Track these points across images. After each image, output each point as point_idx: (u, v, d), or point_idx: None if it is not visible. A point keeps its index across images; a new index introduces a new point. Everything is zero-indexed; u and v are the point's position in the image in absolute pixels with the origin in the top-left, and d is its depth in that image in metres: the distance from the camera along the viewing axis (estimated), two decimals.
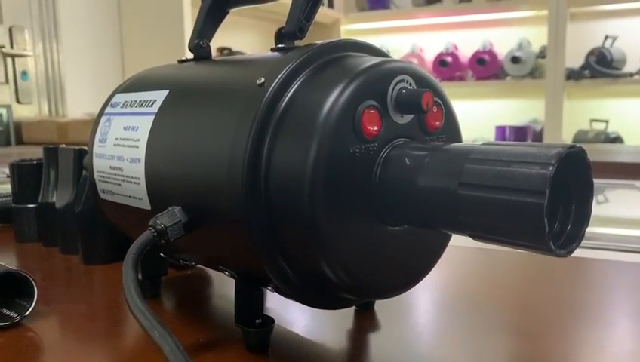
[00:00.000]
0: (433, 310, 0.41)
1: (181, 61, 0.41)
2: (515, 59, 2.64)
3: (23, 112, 1.99)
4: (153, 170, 0.34)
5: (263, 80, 0.29)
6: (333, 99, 0.27)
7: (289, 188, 0.27)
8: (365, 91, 0.27)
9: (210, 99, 0.32)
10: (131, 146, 0.36)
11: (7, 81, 1.92)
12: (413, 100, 0.28)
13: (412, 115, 0.29)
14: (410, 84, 0.29)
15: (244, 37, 2.53)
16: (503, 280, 0.48)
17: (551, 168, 0.22)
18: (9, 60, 1.93)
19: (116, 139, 0.37)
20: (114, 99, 0.40)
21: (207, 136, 0.31)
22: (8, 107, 1.93)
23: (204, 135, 0.31)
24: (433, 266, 0.32)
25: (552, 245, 0.23)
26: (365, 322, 0.38)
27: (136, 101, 0.37)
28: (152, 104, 0.36)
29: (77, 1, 2.15)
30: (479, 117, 2.73)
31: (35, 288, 0.38)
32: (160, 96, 0.36)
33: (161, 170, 0.34)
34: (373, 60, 0.29)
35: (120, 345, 0.36)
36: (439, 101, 0.31)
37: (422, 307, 0.41)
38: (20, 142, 1.95)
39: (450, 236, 0.32)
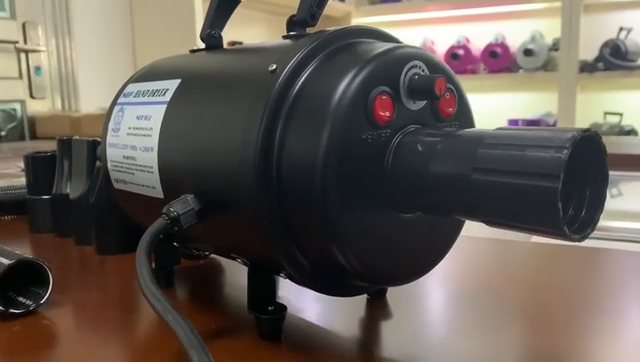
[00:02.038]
0: (445, 299, 0.41)
1: (193, 51, 0.41)
2: (527, 52, 2.61)
3: (37, 107, 2.01)
4: (166, 158, 0.34)
5: (274, 66, 0.29)
6: (345, 84, 0.27)
7: (301, 174, 0.27)
8: (377, 77, 0.27)
9: (222, 86, 0.32)
10: (144, 135, 0.36)
11: (20, 77, 1.94)
12: (425, 86, 0.28)
13: (424, 102, 0.29)
14: (423, 70, 0.29)
15: (255, 31, 2.54)
16: (516, 270, 0.48)
17: (565, 151, 0.22)
18: (23, 56, 1.95)
19: (129, 128, 0.38)
20: (127, 89, 0.41)
21: (219, 124, 0.31)
22: (22, 102, 1.95)
23: (216, 122, 0.31)
24: (446, 253, 0.32)
25: (566, 229, 0.22)
26: (377, 311, 0.38)
27: (148, 90, 0.38)
28: (165, 93, 0.36)
29: None
30: (491, 110, 2.71)
31: (50, 276, 0.38)
32: (172, 85, 0.36)
33: (174, 158, 0.34)
34: (385, 46, 0.29)
35: (134, 332, 0.36)
36: (452, 87, 0.30)
37: (434, 296, 0.41)
38: (33, 136, 1.97)
39: (462, 223, 0.32)
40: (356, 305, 0.38)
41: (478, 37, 2.79)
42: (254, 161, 0.28)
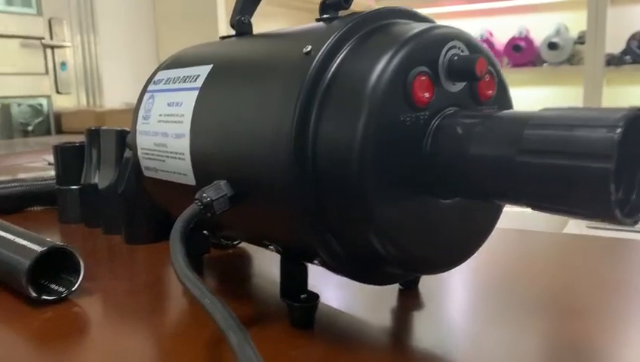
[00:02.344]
0: (476, 290, 0.40)
1: (223, 37, 0.40)
2: (552, 45, 2.57)
3: (63, 103, 2.04)
4: (198, 144, 0.34)
5: (309, 48, 0.28)
6: (383, 65, 0.26)
7: (337, 158, 0.27)
8: (416, 57, 0.27)
9: (254, 70, 0.32)
10: (175, 122, 0.36)
11: (47, 72, 1.97)
12: (466, 67, 0.27)
13: (464, 83, 0.28)
14: (462, 51, 0.28)
15: (273, 26, 2.53)
16: (543, 260, 0.47)
17: (618, 130, 0.21)
18: (49, 52, 1.97)
19: (160, 115, 0.37)
20: (157, 77, 0.40)
21: (252, 108, 0.30)
22: (48, 97, 1.98)
23: (249, 106, 0.30)
24: (483, 242, 0.31)
25: (618, 213, 0.21)
26: (409, 301, 0.37)
27: (179, 77, 0.37)
28: (196, 79, 0.35)
29: None
30: (515, 105, 2.66)
31: (82, 263, 0.38)
32: (204, 70, 0.35)
33: (206, 144, 0.33)
34: (422, 26, 0.28)
35: (164, 320, 0.36)
36: (492, 70, 0.30)
37: (464, 287, 0.40)
38: (59, 131, 1.99)
39: (501, 209, 0.31)
40: (388, 295, 0.37)
41: (501, 30, 2.75)
42: (289, 146, 0.27)
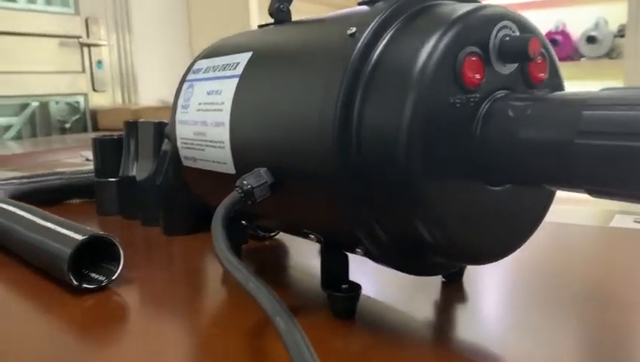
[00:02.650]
0: (519, 284, 0.38)
1: (261, 26, 0.40)
2: (590, 39, 2.50)
3: (99, 100, 2.08)
4: (238, 132, 0.33)
5: (354, 30, 0.27)
6: (432, 45, 0.25)
7: (383, 142, 0.26)
8: (466, 37, 0.25)
9: (296, 55, 0.31)
10: (215, 110, 0.35)
11: (83, 70, 2.01)
12: (519, 47, 0.26)
13: (515, 65, 0.27)
14: (514, 31, 0.27)
15: None
16: (588, 253, 0.45)
17: None
18: (85, 50, 2.01)
19: (199, 104, 0.37)
20: (196, 66, 0.40)
21: (293, 93, 0.30)
22: (85, 95, 2.02)
23: (290, 91, 0.30)
24: (533, 231, 0.30)
25: None
26: (453, 293, 0.36)
27: (219, 65, 0.37)
28: (236, 67, 0.35)
29: None
30: None
31: (122, 252, 0.38)
32: (243, 58, 0.35)
33: (247, 132, 0.33)
34: (470, 6, 0.27)
35: (203, 308, 0.36)
36: (544, 52, 0.28)
37: (508, 280, 0.39)
38: (95, 129, 2.03)
39: (552, 197, 0.30)
40: (431, 288, 0.36)
41: (538, 25, 2.68)
42: (332, 131, 0.27)
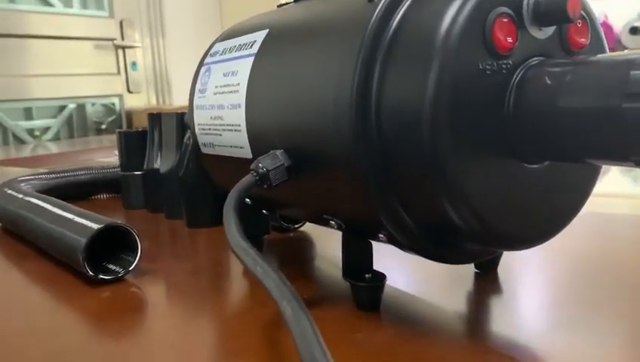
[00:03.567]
0: (557, 275, 0.35)
1: (280, 5, 0.38)
2: (634, 30, 2.41)
3: (133, 102, 2.10)
4: (254, 114, 0.32)
5: None
6: (458, 6, 0.22)
7: (406, 116, 0.23)
8: None
9: (312, 27, 0.29)
10: (231, 92, 0.34)
11: (118, 72, 2.04)
12: (556, 7, 0.23)
13: (552, 29, 0.25)
14: None
15: None
16: (632, 245, 0.42)
17: None
18: (120, 53, 2.04)
19: (216, 87, 0.36)
20: (213, 49, 0.39)
21: (309, 67, 0.28)
22: (120, 96, 2.05)
23: (306, 67, 0.28)
24: (576, 214, 0.27)
25: None
26: (486, 285, 0.33)
27: (235, 46, 0.35)
28: (252, 45, 0.33)
29: None
30: None
31: (139, 242, 0.37)
32: (259, 36, 0.33)
33: (262, 112, 0.31)
34: None
35: (223, 300, 0.34)
36: (585, 15, 0.26)
37: (545, 272, 0.36)
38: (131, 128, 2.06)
39: (597, 174, 0.27)
40: (463, 278, 0.34)
41: None
42: (349, 105, 0.24)
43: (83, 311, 0.33)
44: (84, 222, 0.37)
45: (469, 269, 0.34)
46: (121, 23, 2.03)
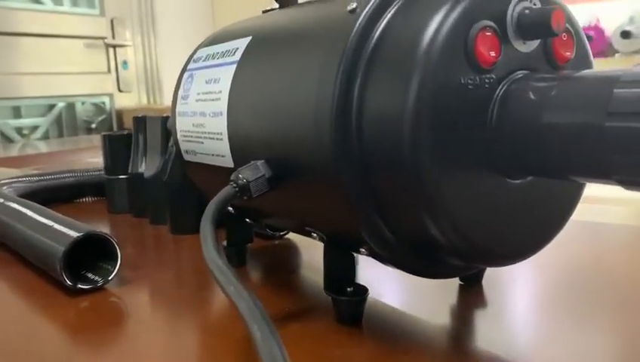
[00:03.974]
0: (545, 287, 0.35)
1: (265, 11, 0.37)
2: (625, 34, 2.42)
3: (124, 101, 2.09)
4: (235, 122, 0.31)
5: (354, 5, 0.25)
6: (441, 18, 0.22)
7: (386, 129, 0.23)
8: (480, 9, 0.23)
9: (294, 36, 0.29)
10: (213, 100, 0.33)
11: (109, 71, 2.02)
12: (540, 20, 0.23)
13: (537, 42, 0.24)
14: (535, 3, 0.24)
15: None
16: (621, 255, 0.42)
17: None
18: (111, 51, 2.03)
19: (198, 94, 0.35)
20: (197, 54, 0.38)
21: (290, 77, 0.27)
22: (111, 95, 2.03)
23: (287, 76, 0.27)
24: (559, 230, 0.27)
25: None
26: (471, 298, 0.33)
27: (218, 52, 0.35)
28: (235, 52, 0.33)
29: None
30: None
31: (118, 251, 0.36)
32: (242, 44, 0.33)
33: (244, 121, 0.31)
34: None
35: (205, 311, 0.34)
36: (570, 28, 0.25)
37: (532, 284, 0.36)
38: (121, 128, 2.04)
39: (581, 191, 0.27)
40: (447, 291, 0.33)
41: None
42: (329, 117, 0.24)
43: (60, 321, 0.33)
44: (63, 229, 0.37)
45: (453, 281, 0.34)
46: (112, 22, 2.01)
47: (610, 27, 2.49)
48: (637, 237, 0.47)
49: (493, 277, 0.34)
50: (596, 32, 2.51)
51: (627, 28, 2.43)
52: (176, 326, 0.32)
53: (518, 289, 0.35)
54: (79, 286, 0.35)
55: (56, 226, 0.37)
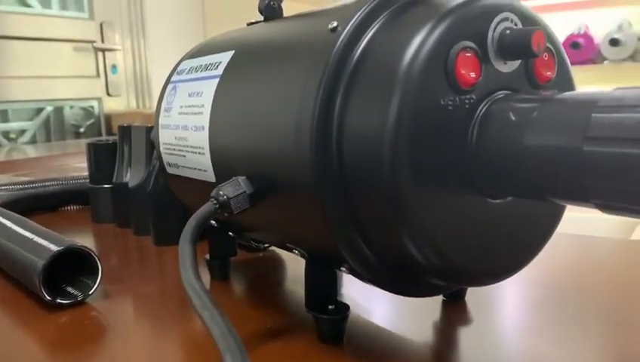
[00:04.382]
0: (529, 303, 0.35)
1: (250, 23, 0.37)
2: (613, 42, 2.44)
3: (113, 105, 2.07)
4: (217, 137, 0.31)
5: (335, 24, 0.24)
6: (421, 39, 0.22)
7: (366, 150, 0.23)
8: (460, 30, 0.22)
9: (276, 53, 0.29)
10: (195, 113, 0.33)
11: (98, 75, 2.01)
12: (520, 41, 0.23)
13: (517, 63, 0.24)
14: (516, 24, 0.24)
15: None
16: (606, 269, 0.42)
17: None
18: (100, 55, 2.01)
19: (181, 107, 0.35)
20: (180, 67, 0.38)
21: (271, 94, 0.27)
22: (99, 99, 2.02)
23: (268, 93, 0.27)
24: (539, 250, 0.27)
25: None
26: (454, 314, 0.33)
27: (201, 65, 0.35)
28: (217, 66, 0.32)
29: None
30: None
31: (99, 266, 0.36)
32: (225, 57, 0.32)
33: (226, 136, 0.30)
34: None
35: (187, 327, 0.33)
36: (551, 47, 0.25)
37: (516, 299, 0.36)
38: (110, 133, 2.03)
39: (561, 212, 0.27)
40: (430, 308, 0.33)
41: (558, 28, 2.63)
42: (309, 135, 0.24)
43: (38, 337, 0.32)
44: (43, 242, 0.36)
45: (436, 297, 0.34)
46: (101, 25, 2.00)
47: (600, 34, 2.51)
48: (621, 249, 0.47)
49: (477, 292, 0.34)
50: (585, 40, 2.53)
51: (616, 35, 2.45)
52: (158, 342, 0.32)
53: (501, 305, 0.35)
54: (58, 300, 0.34)
55: (36, 239, 0.37)
